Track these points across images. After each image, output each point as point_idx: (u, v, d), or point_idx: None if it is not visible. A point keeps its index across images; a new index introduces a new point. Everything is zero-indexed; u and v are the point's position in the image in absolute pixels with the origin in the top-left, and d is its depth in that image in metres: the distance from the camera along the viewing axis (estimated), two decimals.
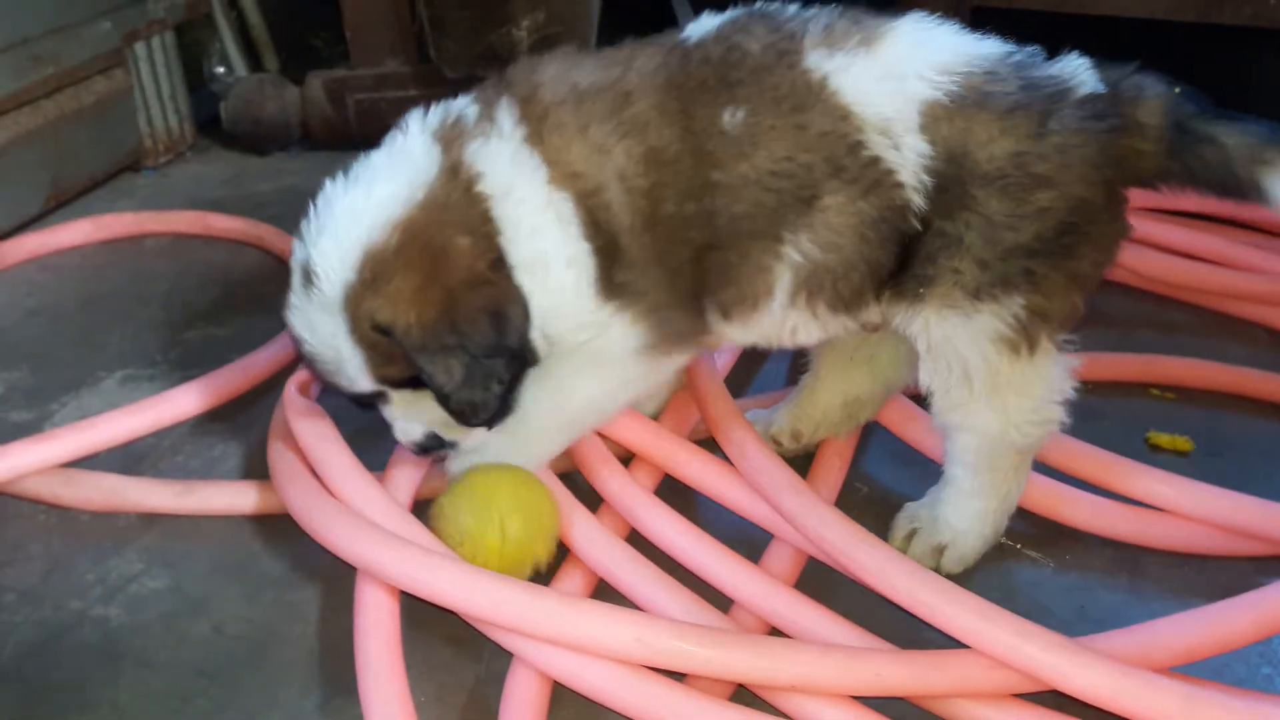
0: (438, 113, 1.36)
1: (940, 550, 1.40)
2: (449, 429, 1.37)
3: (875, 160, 1.24)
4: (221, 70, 3.08)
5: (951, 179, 1.22)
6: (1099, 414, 1.77)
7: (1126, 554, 1.48)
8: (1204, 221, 2.21)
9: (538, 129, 1.29)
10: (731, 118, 1.26)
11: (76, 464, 1.61)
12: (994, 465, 1.37)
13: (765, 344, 1.43)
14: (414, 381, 1.31)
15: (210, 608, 1.41)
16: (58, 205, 2.51)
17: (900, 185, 1.24)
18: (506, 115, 1.31)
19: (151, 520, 1.56)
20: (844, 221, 1.25)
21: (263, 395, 1.82)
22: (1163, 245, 2.15)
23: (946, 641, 1.22)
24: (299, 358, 1.39)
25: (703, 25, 1.36)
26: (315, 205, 1.33)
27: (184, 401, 1.74)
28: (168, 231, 2.44)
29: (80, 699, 1.28)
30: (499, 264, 1.28)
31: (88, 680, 1.31)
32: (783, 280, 1.30)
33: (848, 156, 1.24)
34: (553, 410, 1.41)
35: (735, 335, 1.40)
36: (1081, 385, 1.88)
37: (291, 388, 1.61)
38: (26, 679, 1.31)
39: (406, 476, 1.49)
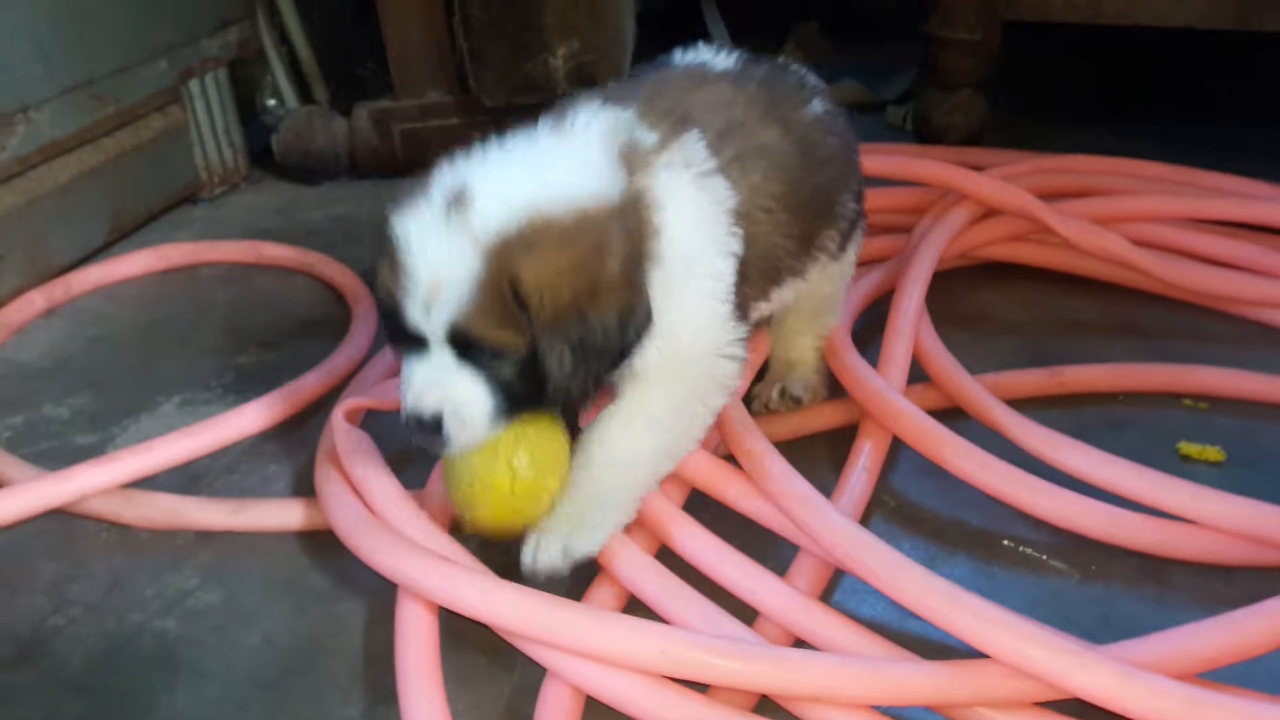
0: (611, 121, 1.38)
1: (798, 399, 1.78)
2: (458, 422, 1.30)
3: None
4: (273, 103, 3.17)
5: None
6: (1129, 424, 1.78)
7: (1152, 564, 1.48)
8: (1237, 229, 2.19)
9: (724, 162, 1.44)
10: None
11: (137, 484, 1.70)
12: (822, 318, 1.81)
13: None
14: (484, 354, 1.27)
15: (261, 620, 1.49)
16: (119, 237, 2.63)
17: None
18: (697, 149, 1.41)
19: (207, 538, 1.64)
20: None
21: (313, 416, 1.89)
22: (1196, 254, 2.14)
23: (973, 652, 1.22)
24: (378, 260, 1.30)
25: (721, 60, 1.60)
26: (488, 146, 1.32)
27: (238, 424, 1.82)
28: (223, 260, 2.54)
29: (142, 705, 1.36)
30: (642, 272, 1.32)
31: (148, 688, 1.39)
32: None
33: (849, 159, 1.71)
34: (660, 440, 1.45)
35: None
36: (1112, 396, 1.88)
37: (338, 414, 1.67)
38: (92, 687, 1.40)
39: (443, 494, 1.54)
